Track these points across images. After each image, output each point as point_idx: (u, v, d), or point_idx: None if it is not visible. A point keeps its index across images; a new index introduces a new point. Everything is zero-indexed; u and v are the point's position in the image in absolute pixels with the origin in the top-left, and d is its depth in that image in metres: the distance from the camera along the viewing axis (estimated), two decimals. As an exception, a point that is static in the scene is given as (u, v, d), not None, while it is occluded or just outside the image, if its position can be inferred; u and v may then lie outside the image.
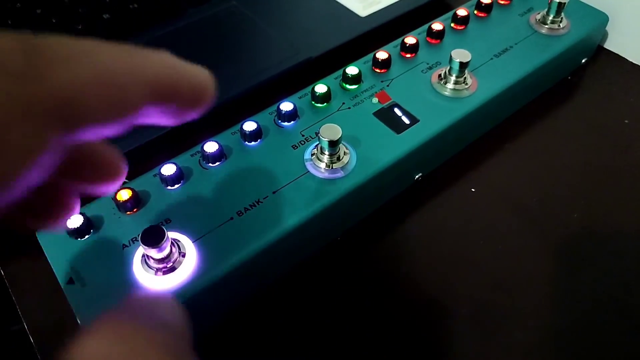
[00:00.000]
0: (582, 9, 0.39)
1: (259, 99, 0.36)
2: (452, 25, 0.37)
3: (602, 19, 0.38)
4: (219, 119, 0.35)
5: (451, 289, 0.28)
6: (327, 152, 0.28)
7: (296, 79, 0.38)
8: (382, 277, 0.29)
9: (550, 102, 0.38)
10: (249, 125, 0.29)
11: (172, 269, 0.24)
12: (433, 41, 0.36)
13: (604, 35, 0.42)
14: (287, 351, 0.26)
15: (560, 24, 0.36)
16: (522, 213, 0.31)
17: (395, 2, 0.44)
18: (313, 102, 0.32)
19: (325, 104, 0.32)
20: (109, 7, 0.43)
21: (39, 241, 0.26)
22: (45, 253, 0.25)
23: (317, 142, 0.29)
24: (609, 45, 0.42)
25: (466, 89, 0.32)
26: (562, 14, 0.36)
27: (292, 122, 0.31)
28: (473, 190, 0.33)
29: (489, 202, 0.32)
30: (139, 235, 0.25)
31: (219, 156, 0.28)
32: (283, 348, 0.26)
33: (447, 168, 0.34)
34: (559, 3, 0.35)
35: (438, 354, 0.26)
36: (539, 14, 0.37)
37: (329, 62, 0.39)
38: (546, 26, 0.36)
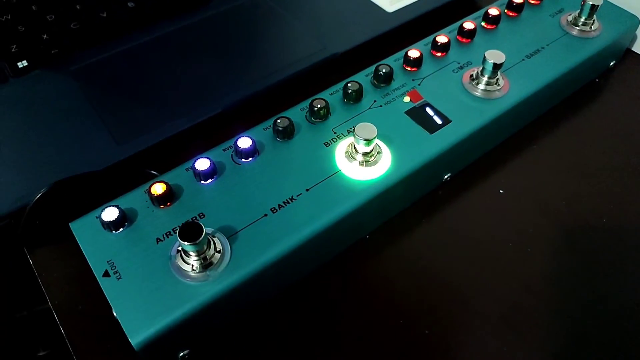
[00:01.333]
0: (613, 11, 0.38)
1: (285, 93, 0.36)
2: (483, 24, 0.37)
3: (633, 22, 0.38)
4: (248, 113, 0.35)
5: (480, 290, 0.28)
6: (361, 152, 0.28)
7: (322, 74, 0.38)
8: (411, 275, 0.29)
9: (578, 104, 0.38)
10: (282, 122, 0.29)
11: (209, 265, 0.24)
12: (464, 40, 0.36)
13: (633, 38, 0.41)
14: (309, 349, 0.27)
15: (592, 27, 0.36)
16: (551, 215, 0.31)
17: (423, -2, 0.44)
18: (345, 99, 0.32)
19: (357, 101, 0.31)
20: (134, -4, 0.43)
21: (74, 233, 0.26)
22: (80, 245, 0.25)
23: (351, 140, 0.29)
24: (637, 48, 0.41)
25: (498, 90, 0.32)
26: (594, 17, 0.36)
27: (325, 119, 0.30)
28: (501, 191, 0.33)
29: (517, 204, 0.32)
30: (173, 230, 0.26)
31: (251, 152, 0.28)
32: (306, 345, 0.27)
33: (474, 169, 0.34)
34: (592, 5, 0.35)
35: (468, 354, 0.26)
36: (570, 15, 0.37)
37: (355, 58, 0.39)
38: (578, 28, 0.36)
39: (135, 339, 0.22)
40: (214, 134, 0.33)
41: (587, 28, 0.36)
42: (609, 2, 0.39)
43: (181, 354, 0.25)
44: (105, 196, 0.28)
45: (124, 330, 0.22)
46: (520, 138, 0.35)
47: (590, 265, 0.29)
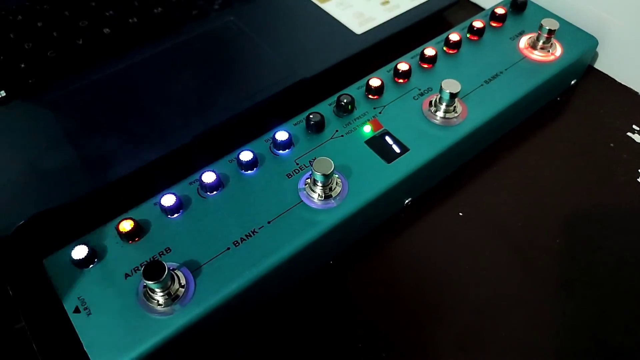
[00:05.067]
0: (572, 32, 0.39)
1: (255, 120, 0.37)
2: (445, 49, 0.38)
3: (591, 43, 0.39)
4: (215, 141, 0.36)
5: (436, 313, 0.30)
6: (319, 184, 0.29)
7: (291, 99, 0.39)
8: (370, 300, 0.30)
9: (538, 124, 0.39)
10: (246, 155, 0.30)
11: (175, 298, 0.26)
12: (426, 65, 0.37)
13: (594, 55, 0.42)
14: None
15: (550, 50, 0.37)
16: (507, 238, 0.33)
17: (391, 19, 0.45)
18: (307, 130, 0.33)
19: (319, 132, 0.33)
20: (109, 22, 0.44)
21: (47, 270, 0.27)
22: (52, 282, 0.27)
23: (310, 173, 0.30)
24: (598, 65, 0.43)
25: (456, 117, 0.33)
26: (553, 39, 0.37)
27: (287, 150, 0.32)
28: (461, 214, 0.34)
29: (475, 227, 0.33)
30: (140, 265, 0.27)
31: (216, 186, 0.30)
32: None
33: (435, 192, 0.35)
34: (549, 30, 0.36)
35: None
36: (529, 37, 0.38)
37: (325, 81, 0.40)
38: (536, 51, 0.37)
39: (103, 374, 0.24)
40: (185, 162, 0.35)
41: (545, 51, 0.37)
42: (568, 23, 0.40)
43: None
44: (81, 228, 0.29)
45: (92, 365, 0.24)
46: (480, 159, 0.37)
47: (543, 288, 0.31)
